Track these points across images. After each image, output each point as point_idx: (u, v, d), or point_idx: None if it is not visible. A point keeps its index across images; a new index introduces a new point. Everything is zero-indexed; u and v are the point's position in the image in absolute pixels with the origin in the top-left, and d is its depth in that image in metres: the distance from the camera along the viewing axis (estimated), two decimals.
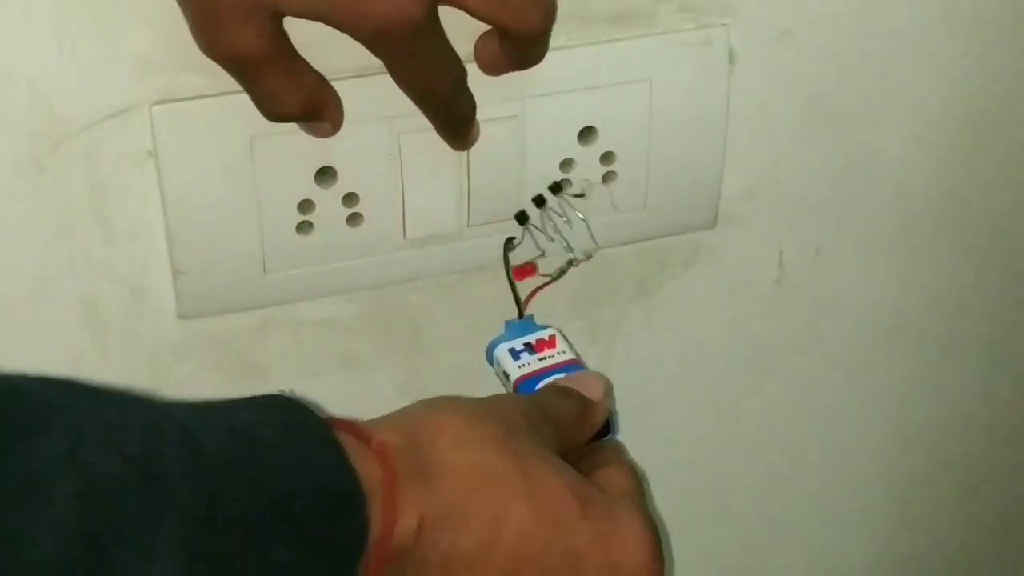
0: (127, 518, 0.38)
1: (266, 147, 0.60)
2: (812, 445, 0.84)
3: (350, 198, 0.63)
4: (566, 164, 0.66)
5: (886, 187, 0.76)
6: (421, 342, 0.70)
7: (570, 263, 0.66)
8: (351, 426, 0.48)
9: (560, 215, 0.65)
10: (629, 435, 0.70)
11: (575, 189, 0.65)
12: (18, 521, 0.35)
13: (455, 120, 0.60)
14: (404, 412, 0.53)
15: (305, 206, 0.62)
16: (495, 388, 0.71)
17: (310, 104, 0.57)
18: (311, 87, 0.57)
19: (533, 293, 0.66)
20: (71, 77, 0.57)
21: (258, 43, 0.53)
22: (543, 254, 0.66)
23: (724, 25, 0.66)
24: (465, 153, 0.63)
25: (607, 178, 0.67)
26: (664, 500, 0.76)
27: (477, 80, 0.60)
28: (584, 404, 0.58)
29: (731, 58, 0.67)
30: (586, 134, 0.66)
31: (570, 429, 0.56)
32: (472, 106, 0.60)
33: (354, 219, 0.63)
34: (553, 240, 0.65)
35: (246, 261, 0.63)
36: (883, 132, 0.74)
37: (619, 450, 0.59)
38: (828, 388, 0.82)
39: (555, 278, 0.66)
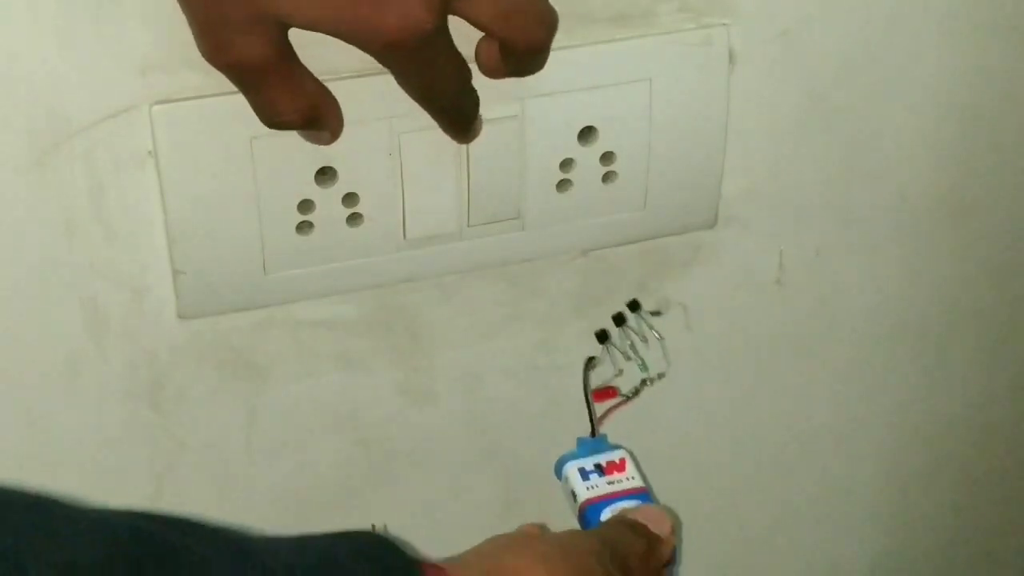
0: None
1: (266, 147, 0.60)
2: (812, 444, 0.84)
3: (350, 198, 0.63)
4: (566, 164, 0.66)
5: (886, 187, 0.76)
6: (421, 342, 0.70)
7: (644, 383, 0.67)
8: (438, 571, 0.49)
9: (637, 333, 0.65)
10: (629, 435, 0.70)
11: (653, 307, 0.66)
12: None
13: (459, 118, 0.60)
14: (481, 552, 0.54)
15: (305, 206, 0.62)
16: (495, 385, 0.71)
17: (309, 113, 0.57)
18: (311, 96, 0.57)
19: (608, 412, 0.66)
20: (71, 77, 0.57)
21: (262, 52, 0.53)
22: (620, 373, 0.66)
23: (724, 25, 0.66)
24: (465, 153, 0.63)
25: (607, 178, 0.67)
26: (663, 500, 0.76)
27: (476, 79, 0.60)
28: (652, 541, 0.59)
29: (731, 58, 0.67)
30: (586, 134, 0.66)
31: (638, 569, 0.58)
32: (476, 103, 0.60)
33: (354, 219, 0.63)
34: (629, 359, 0.66)
35: (246, 261, 0.63)
36: (883, 132, 0.74)
37: None
38: (828, 388, 0.82)
39: (630, 398, 0.67)
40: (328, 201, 0.62)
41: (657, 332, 0.65)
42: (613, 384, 0.68)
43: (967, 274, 0.81)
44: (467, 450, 0.74)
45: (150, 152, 0.60)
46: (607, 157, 0.66)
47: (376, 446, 0.72)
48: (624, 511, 0.61)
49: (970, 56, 0.73)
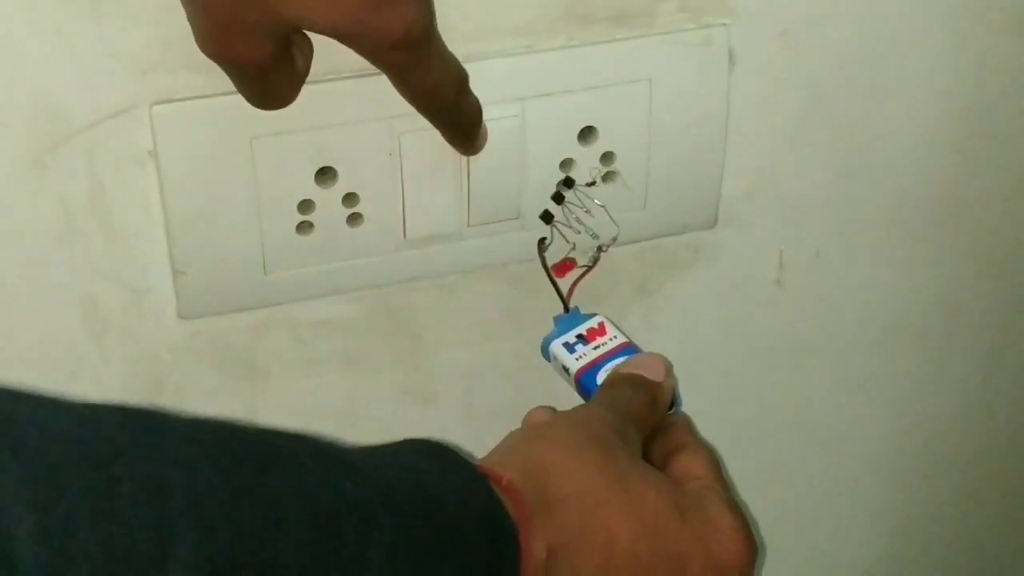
0: (346, 548, 0.44)
1: (266, 147, 0.60)
2: (811, 445, 0.84)
3: (350, 198, 0.63)
4: (566, 164, 0.66)
5: (886, 187, 0.76)
6: (421, 342, 0.70)
7: (599, 249, 0.67)
8: (483, 468, 0.52)
9: (580, 207, 0.66)
10: None
11: (585, 179, 0.66)
12: (264, 539, 0.41)
13: (463, 125, 0.61)
14: (509, 448, 0.57)
15: (305, 206, 0.62)
16: (495, 385, 0.72)
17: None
18: (303, 76, 0.58)
19: (573, 285, 0.67)
20: (71, 77, 0.57)
21: (268, 52, 0.54)
22: (574, 247, 0.67)
23: (724, 25, 0.66)
24: None
25: (607, 178, 0.67)
26: None
27: (476, 80, 0.60)
28: (652, 390, 0.61)
29: (731, 58, 0.67)
30: (586, 134, 0.66)
31: (646, 419, 0.60)
32: (478, 109, 0.61)
33: (354, 219, 0.63)
34: (579, 232, 0.66)
35: (246, 261, 0.63)
36: (883, 132, 0.74)
37: (689, 429, 0.63)
38: (828, 388, 0.82)
39: (591, 267, 0.68)
40: (328, 201, 0.62)
41: (598, 200, 0.66)
42: (571, 256, 0.68)
43: (967, 274, 0.81)
44: (467, 450, 0.74)
45: (150, 152, 0.60)
46: (607, 157, 0.66)
47: None
48: (618, 368, 0.62)
49: (970, 55, 0.73)
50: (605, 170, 0.67)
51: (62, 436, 0.39)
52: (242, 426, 0.45)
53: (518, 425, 0.75)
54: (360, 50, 0.54)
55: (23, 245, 0.60)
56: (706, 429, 0.80)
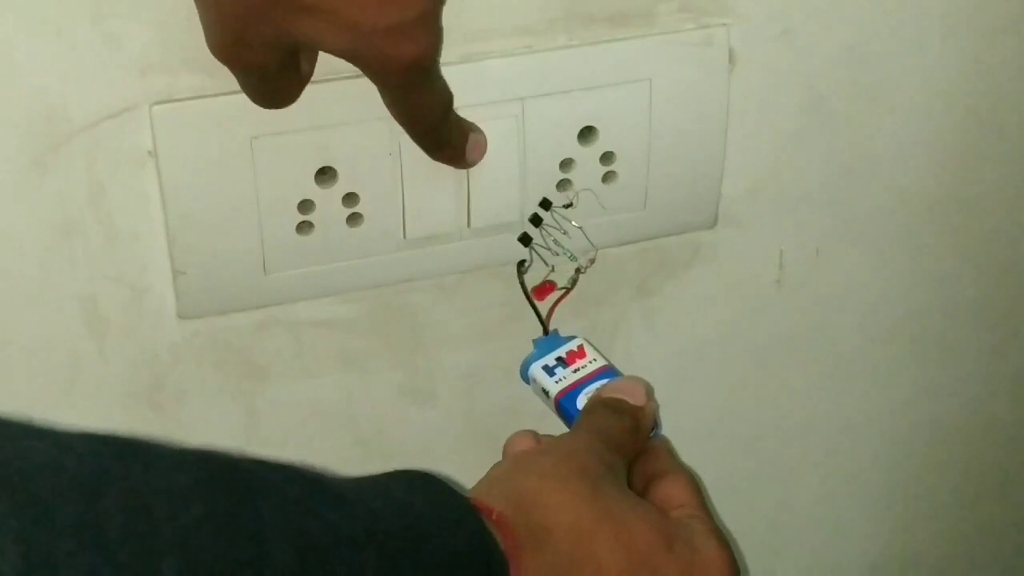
0: None
1: (266, 147, 0.60)
2: (811, 445, 0.84)
3: (350, 198, 0.63)
4: (566, 164, 0.66)
5: (886, 187, 0.76)
6: (421, 342, 0.70)
7: (578, 271, 0.68)
8: (473, 500, 0.52)
9: (557, 228, 0.66)
10: None
11: (563, 200, 0.66)
12: (250, 572, 0.41)
13: (443, 145, 0.61)
14: (496, 480, 0.57)
15: (305, 206, 0.62)
16: (495, 385, 0.71)
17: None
18: (308, 77, 0.58)
19: (553, 308, 0.67)
20: (71, 77, 0.57)
21: (277, 61, 0.55)
22: (553, 269, 0.67)
23: (724, 25, 0.66)
24: None
25: (607, 178, 0.67)
26: None
27: (477, 79, 0.60)
28: (635, 415, 0.61)
29: (731, 58, 0.67)
30: (586, 134, 0.66)
31: (629, 446, 0.60)
32: (462, 131, 0.61)
33: (354, 219, 0.63)
34: (557, 254, 0.67)
35: (246, 261, 0.63)
36: (883, 132, 0.74)
37: (669, 453, 0.62)
38: (828, 388, 0.82)
39: (569, 288, 0.68)
40: (328, 201, 0.62)
41: (575, 221, 0.66)
42: (550, 279, 0.68)
43: (967, 273, 0.81)
44: (467, 450, 0.74)
45: (150, 152, 0.60)
46: (607, 157, 0.66)
47: (376, 446, 0.72)
48: (598, 392, 0.62)
49: (970, 56, 0.73)
50: (598, 180, 0.67)
51: (48, 466, 0.39)
52: (228, 456, 0.45)
53: (518, 426, 0.75)
54: (365, 70, 0.55)
55: (23, 245, 0.60)
56: (705, 429, 0.80)
